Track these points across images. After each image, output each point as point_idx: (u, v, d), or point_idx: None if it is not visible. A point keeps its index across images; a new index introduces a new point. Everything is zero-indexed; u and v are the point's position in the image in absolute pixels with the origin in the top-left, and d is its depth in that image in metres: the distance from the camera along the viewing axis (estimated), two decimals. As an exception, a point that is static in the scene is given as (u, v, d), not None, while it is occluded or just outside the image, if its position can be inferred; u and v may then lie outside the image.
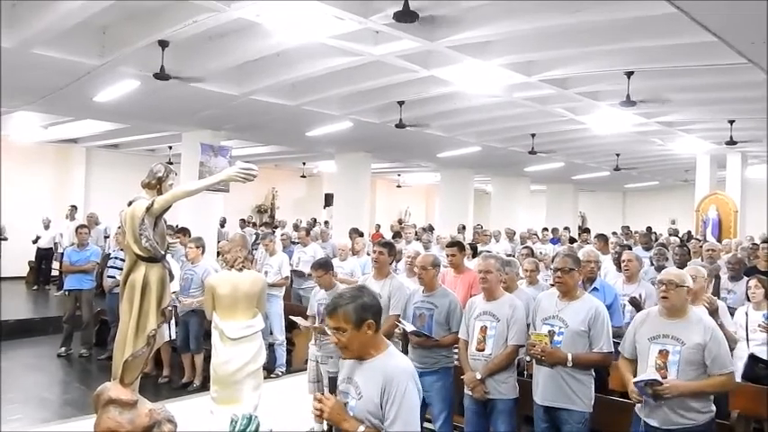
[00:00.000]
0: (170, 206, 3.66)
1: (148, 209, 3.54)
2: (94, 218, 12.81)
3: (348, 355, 2.59)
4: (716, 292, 6.25)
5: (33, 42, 6.86)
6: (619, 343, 4.05)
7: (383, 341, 2.65)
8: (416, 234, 12.07)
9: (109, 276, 8.20)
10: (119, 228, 9.05)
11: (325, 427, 2.51)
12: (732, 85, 8.75)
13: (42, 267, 13.99)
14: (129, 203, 3.64)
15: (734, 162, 15.38)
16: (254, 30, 7.14)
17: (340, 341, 2.54)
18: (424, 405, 4.47)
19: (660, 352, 3.53)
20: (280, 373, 7.49)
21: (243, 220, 17.06)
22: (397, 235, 13.06)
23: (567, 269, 4.04)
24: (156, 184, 3.73)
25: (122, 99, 9.15)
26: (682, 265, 6.38)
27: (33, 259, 14.10)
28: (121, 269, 7.74)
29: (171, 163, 12.54)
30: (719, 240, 12.32)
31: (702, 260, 7.74)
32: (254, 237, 13.76)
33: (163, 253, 3.65)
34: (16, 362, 8.35)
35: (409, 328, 4.67)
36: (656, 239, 12.11)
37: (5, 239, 12.52)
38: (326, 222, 17.30)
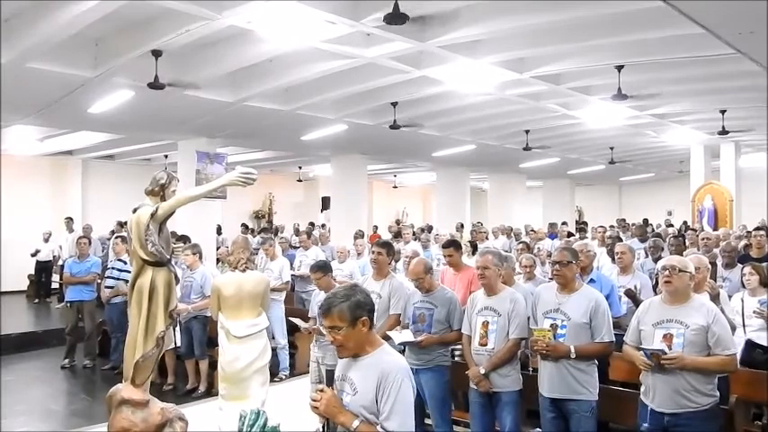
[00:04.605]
0: (174, 212, 3.76)
1: (153, 215, 3.64)
2: (90, 229, 12.83)
3: (344, 353, 2.60)
4: (713, 280, 6.30)
5: (28, 56, 6.89)
6: (618, 333, 4.11)
7: (377, 338, 2.68)
8: (414, 234, 12.13)
9: (106, 287, 8.19)
10: (116, 237, 9.09)
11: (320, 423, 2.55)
12: (722, 75, 8.82)
13: (42, 280, 13.98)
14: (134, 210, 3.72)
15: (727, 151, 15.49)
16: (247, 36, 7.19)
17: (336, 340, 2.55)
18: (421, 402, 4.52)
19: (664, 336, 3.59)
20: (283, 377, 7.54)
21: (245, 226, 17.14)
22: (397, 235, 13.10)
23: (566, 262, 4.11)
24: (159, 191, 3.82)
25: (117, 110, 9.18)
26: (678, 255, 6.44)
27: (33, 272, 14.08)
28: (118, 279, 7.88)
29: (167, 172, 12.63)
30: (715, 229, 12.40)
31: (698, 249, 7.80)
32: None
33: (168, 257, 3.74)
34: (21, 375, 8.38)
35: (398, 339, 4.58)
36: (654, 231, 12.18)
37: None
38: (323, 225, 17.34)
